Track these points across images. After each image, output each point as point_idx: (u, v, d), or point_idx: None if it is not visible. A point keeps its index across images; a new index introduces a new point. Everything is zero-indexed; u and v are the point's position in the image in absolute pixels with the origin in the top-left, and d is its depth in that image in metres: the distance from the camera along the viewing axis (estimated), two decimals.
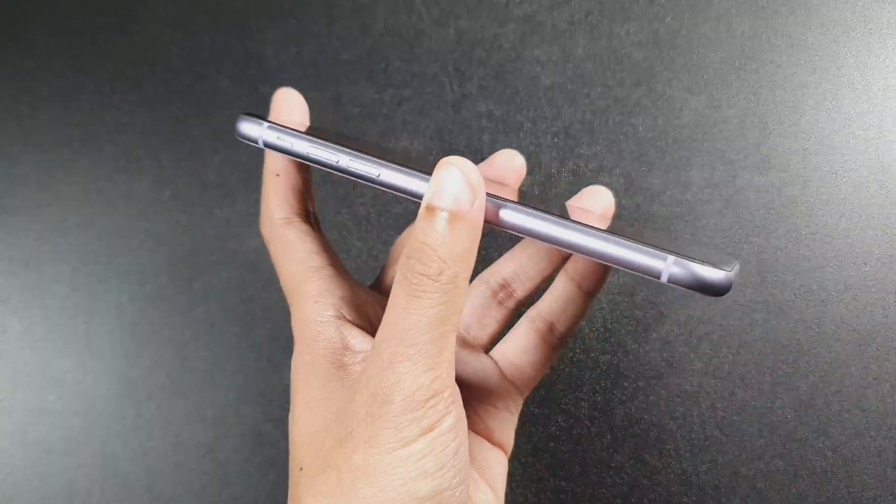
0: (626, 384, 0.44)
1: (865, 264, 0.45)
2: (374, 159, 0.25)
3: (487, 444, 0.31)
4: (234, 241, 0.46)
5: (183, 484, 0.44)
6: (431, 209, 0.23)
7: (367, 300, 0.29)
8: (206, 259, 0.46)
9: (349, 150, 0.25)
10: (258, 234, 0.46)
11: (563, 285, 0.32)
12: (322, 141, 0.26)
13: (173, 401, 0.44)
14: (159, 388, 0.45)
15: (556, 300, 0.32)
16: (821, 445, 0.44)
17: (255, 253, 0.46)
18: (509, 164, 0.31)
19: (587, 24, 0.48)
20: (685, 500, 0.44)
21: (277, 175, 0.28)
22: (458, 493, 0.24)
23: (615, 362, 0.44)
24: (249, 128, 0.26)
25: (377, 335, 0.24)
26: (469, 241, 0.23)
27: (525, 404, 0.44)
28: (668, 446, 0.44)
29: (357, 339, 0.26)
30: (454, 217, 0.23)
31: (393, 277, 0.28)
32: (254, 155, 0.47)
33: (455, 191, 0.23)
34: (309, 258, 0.28)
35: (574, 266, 0.31)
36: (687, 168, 0.46)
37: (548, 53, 0.48)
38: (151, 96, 0.48)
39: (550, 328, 0.32)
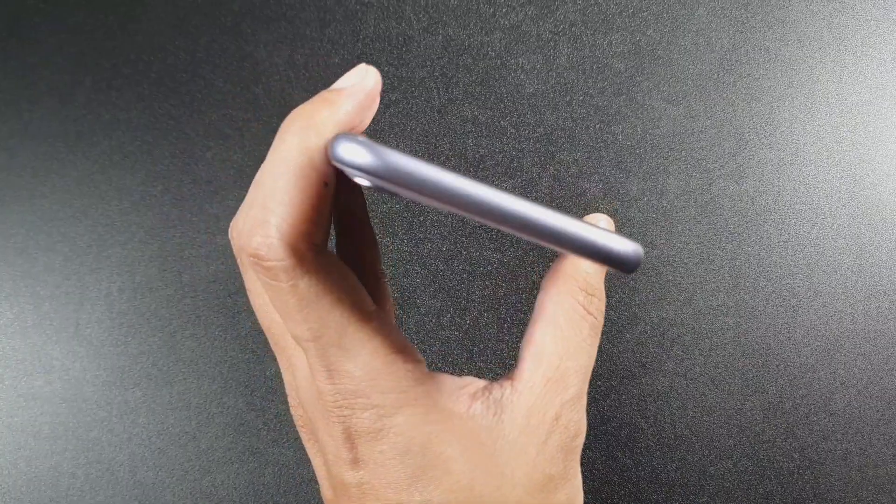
0: (599, 383, 0.45)
1: (836, 272, 0.47)
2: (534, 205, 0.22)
3: None
4: (222, 235, 0.47)
5: (166, 470, 0.45)
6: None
7: None
8: (195, 252, 0.47)
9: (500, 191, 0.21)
10: None
11: None
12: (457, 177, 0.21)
13: (159, 389, 0.46)
14: (146, 376, 0.46)
15: None
16: (788, 447, 0.45)
17: None
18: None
19: (571, 35, 0.49)
20: (654, 497, 0.45)
21: (326, 184, 0.22)
22: None
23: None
24: (357, 152, 0.20)
25: (559, 368, 0.24)
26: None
27: None
28: (639, 445, 0.45)
29: (465, 378, 0.25)
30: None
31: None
32: (245, 153, 0.48)
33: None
34: (365, 299, 0.23)
35: None
36: (664, 175, 0.48)
37: (532, 62, 0.49)
38: (147, 93, 0.49)
39: None
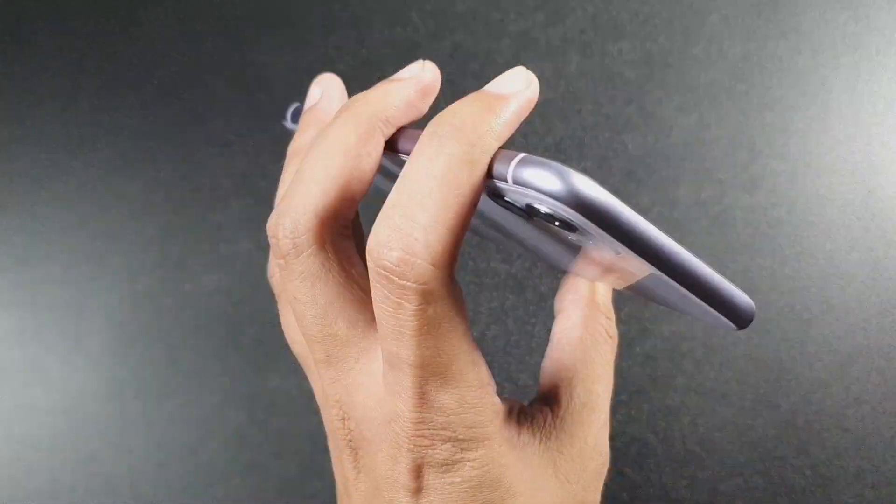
0: None
1: (849, 286, 0.46)
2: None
3: None
4: (224, 245, 0.46)
5: (165, 483, 0.44)
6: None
7: None
8: (197, 262, 0.46)
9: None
10: (249, 239, 0.46)
11: None
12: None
13: (159, 401, 0.45)
14: (145, 387, 0.45)
15: None
16: (800, 464, 0.44)
17: (245, 257, 0.46)
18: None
19: (580, 42, 0.49)
20: None
21: (475, 205, 0.20)
22: None
23: None
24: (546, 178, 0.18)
25: (593, 392, 0.24)
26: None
27: None
28: (649, 461, 0.44)
29: (504, 398, 0.24)
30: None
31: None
32: (248, 160, 0.48)
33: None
34: (469, 327, 0.23)
35: None
36: (675, 186, 0.47)
37: (541, 70, 0.48)
38: (149, 100, 0.49)
39: None
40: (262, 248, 0.46)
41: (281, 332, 0.46)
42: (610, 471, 0.44)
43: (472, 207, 0.19)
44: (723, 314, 0.21)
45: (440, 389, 0.20)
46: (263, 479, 0.44)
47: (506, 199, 0.20)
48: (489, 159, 0.19)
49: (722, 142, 0.47)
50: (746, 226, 0.46)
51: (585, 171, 0.47)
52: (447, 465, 0.21)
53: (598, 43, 0.49)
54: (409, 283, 0.19)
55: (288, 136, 0.47)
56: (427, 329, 0.19)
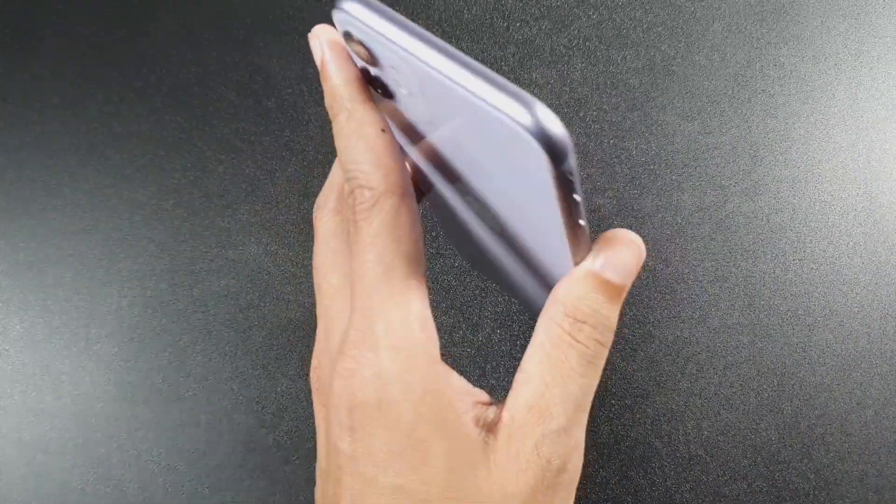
0: (613, 402, 0.45)
1: (851, 290, 0.46)
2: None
3: None
4: (233, 250, 0.47)
5: (175, 487, 0.44)
6: (605, 281, 0.22)
7: None
8: (206, 267, 0.47)
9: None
10: (257, 244, 0.47)
11: None
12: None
13: (168, 405, 0.45)
14: (155, 391, 0.45)
15: None
16: (804, 468, 0.44)
17: (254, 262, 0.47)
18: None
19: (585, 50, 0.49)
20: None
21: (383, 130, 0.23)
22: None
23: (603, 380, 0.45)
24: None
25: (544, 396, 0.23)
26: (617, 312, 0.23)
27: None
28: (653, 464, 0.44)
29: (476, 389, 0.24)
30: (622, 292, 0.23)
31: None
32: (257, 166, 0.48)
33: (629, 269, 0.23)
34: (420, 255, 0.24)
35: None
36: (678, 192, 0.47)
37: (546, 77, 0.49)
38: (158, 106, 0.49)
39: None
40: (270, 252, 0.47)
41: (289, 337, 0.46)
42: (614, 474, 0.44)
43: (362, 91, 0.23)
44: (518, 123, 0.18)
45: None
46: (272, 482, 0.44)
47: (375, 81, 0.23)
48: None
49: (724, 148, 0.48)
50: (749, 231, 0.47)
51: (590, 177, 0.48)
52: (373, 403, 0.22)
53: (602, 50, 0.49)
54: (359, 205, 0.23)
55: (297, 146, 0.48)
56: (397, 225, 0.22)
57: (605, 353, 0.23)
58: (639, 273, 0.26)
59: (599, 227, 0.47)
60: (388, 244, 0.22)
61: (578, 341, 0.22)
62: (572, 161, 0.19)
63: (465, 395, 0.23)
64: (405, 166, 0.24)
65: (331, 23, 0.24)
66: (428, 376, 0.22)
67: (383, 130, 0.23)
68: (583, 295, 0.22)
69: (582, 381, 0.22)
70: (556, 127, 0.18)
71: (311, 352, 0.26)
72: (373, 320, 0.22)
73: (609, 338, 0.23)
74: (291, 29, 0.50)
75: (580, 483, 0.44)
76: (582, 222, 0.21)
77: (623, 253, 0.22)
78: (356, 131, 0.23)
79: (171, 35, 0.50)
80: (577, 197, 0.20)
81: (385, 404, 0.22)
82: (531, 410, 0.22)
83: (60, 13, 0.51)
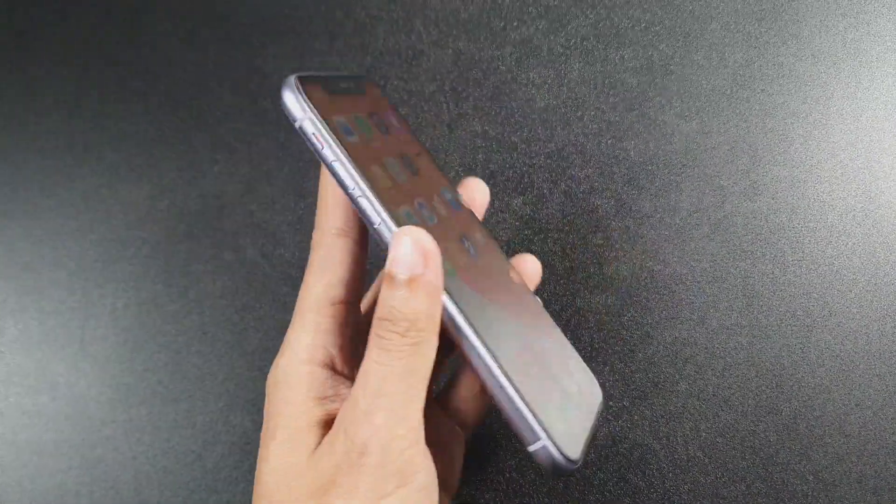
0: (611, 403, 0.45)
1: (850, 291, 0.46)
2: (360, 178, 0.27)
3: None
4: (229, 251, 0.47)
5: (171, 489, 0.44)
6: (391, 276, 0.26)
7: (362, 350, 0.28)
8: (202, 268, 0.47)
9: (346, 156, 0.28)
10: (253, 245, 0.47)
11: None
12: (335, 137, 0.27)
13: (164, 406, 0.45)
14: (151, 393, 0.45)
15: None
16: (802, 469, 0.44)
17: (250, 263, 0.46)
18: (473, 193, 0.35)
19: (582, 49, 0.49)
20: None
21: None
22: None
23: (601, 382, 0.45)
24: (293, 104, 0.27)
25: (354, 386, 0.26)
26: (429, 301, 0.26)
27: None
28: (651, 466, 0.44)
29: (343, 388, 0.29)
30: (411, 282, 0.25)
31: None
32: (252, 167, 0.48)
33: (409, 259, 0.25)
34: (337, 286, 0.29)
35: None
36: (676, 192, 0.47)
37: (543, 76, 0.49)
38: (154, 107, 0.49)
39: None
40: (266, 254, 0.47)
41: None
42: (612, 476, 0.44)
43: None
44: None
45: (297, 321, 0.30)
46: None
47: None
48: None
49: (723, 148, 0.47)
50: (747, 232, 0.47)
51: (588, 178, 0.47)
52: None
53: (599, 50, 0.49)
54: (314, 234, 0.31)
55: (293, 146, 0.48)
56: (310, 268, 0.30)
57: (403, 342, 0.25)
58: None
59: (597, 227, 0.47)
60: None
61: (380, 336, 0.26)
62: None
63: (319, 399, 0.28)
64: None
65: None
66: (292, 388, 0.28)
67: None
68: (383, 294, 0.26)
69: (378, 367, 0.25)
70: None
71: None
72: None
73: (405, 327, 0.25)
74: (288, 29, 0.50)
75: (578, 485, 0.44)
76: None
77: (399, 247, 0.25)
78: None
79: (167, 35, 0.50)
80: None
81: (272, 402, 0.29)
82: (348, 401, 0.26)
83: (56, 14, 0.50)
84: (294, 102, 0.27)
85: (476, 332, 0.27)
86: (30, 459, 0.45)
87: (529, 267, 0.34)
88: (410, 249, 0.25)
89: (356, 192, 0.27)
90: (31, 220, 0.47)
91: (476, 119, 0.48)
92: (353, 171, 0.27)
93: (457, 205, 0.33)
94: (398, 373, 0.25)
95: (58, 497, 0.44)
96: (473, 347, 0.27)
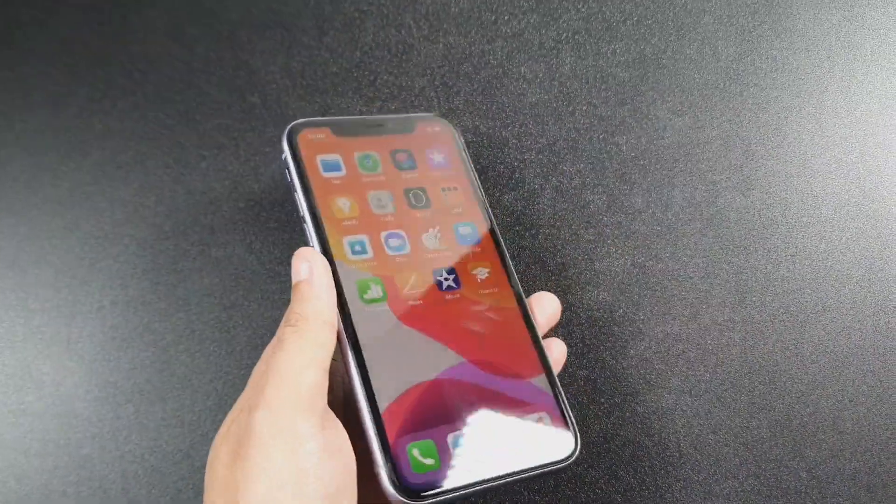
0: (602, 400, 0.44)
1: (844, 287, 0.46)
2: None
3: None
4: (217, 248, 0.46)
5: (159, 488, 0.44)
6: (293, 283, 0.33)
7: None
8: (189, 265, 0.46)
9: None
10: (241, 242, 0.46)
11: None
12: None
13: (152, 405, 0.45)
14: (138, 392, 0.45)
15: None
16: (795, 466, 0.44)
17: (238, 260, 0.46)
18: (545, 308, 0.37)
19: (574, 43, 0.48)
20: None
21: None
22: None
23: (592, 378, 0.45)
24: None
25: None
26: (306, 302, 0.31)
27: None
28: (643, 463, 0.44)
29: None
30: (295, 286, 0.32)
31: None
32: (240, 163, 0.47)
33: (297, 269, 0.33)
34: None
35: None
36: (669, 187, 0.47)
37: (534, 71, 0.48)
38: (141, 103, 0.48)
39: None
40: (254, 250, 0.46)
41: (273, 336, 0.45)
42: (604, 473, 0.44)
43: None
44: None
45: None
46: None
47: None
48: None
49: (716, 143, 0.47)
50: (740, 227, 0.46)
51: (580, 173, 0.47)
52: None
53: (591, 44, 0.48)
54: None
55: (278, 137, 0.47)
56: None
57: (288, 330, 0.30)
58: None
59: (589, 223, 0.46)
60: None
61: (280, 327, 0.31)
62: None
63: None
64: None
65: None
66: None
67: None
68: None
69: (275, 351, 0.30)
70: None
71: None
72: None
73: (294, 319, 0.31)
74: (276, 23, 0.49)
75: (569, 483, 0.43)
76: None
77: (293, 261, 0.33)
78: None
79: (154, 31, 0.49)
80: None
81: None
82: (252, 378, 0.31)
83: (42, 9, 0.50)
84: (284, 142, 0.36)
85: (355, 349, 0.31)
86: (16, 459, 0.44)
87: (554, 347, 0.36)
88: (296, 262, 0.33)
89: (301, 216, 0.34)
90: (17, 217, 0.47)
91: (467, 114, 0.48)
92: (301, 201, 0.34)
93: (467, 239, 0.36)
94: (286, 357, 0.29)
95: (44, 497, 0.44)
96: (348, 362, 0.31)
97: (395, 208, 0.35)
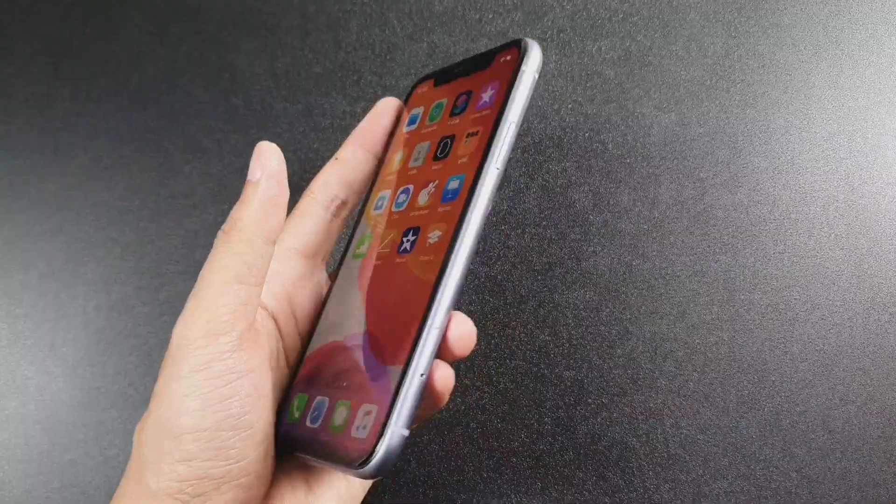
0: (589, 400, 0.44)
1: (834, 284, 0.45)
2: None
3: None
4: (201, 251, 0.46)
5: None
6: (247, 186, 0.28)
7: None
8: (173, 269, 0.46)
9: None
10: None
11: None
12: None
13: (136, 410, 0.44)
14: (122, 396, 0.44)
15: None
16: (785, 466, 0.43)
17: None
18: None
19: (559, 41, 0.48)
20: None
21: (336, 159, 0.34)
22: (219, 439, 0.26)
23: (579, 378, 0.44)
24: None
25: None
26: (258, 209, 0.28)
27: (487, 419, 0.44)
28: (631, 464, 0.43)
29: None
30: (247, 185, 0.28)
31: None
32: (224, 166, 0.47)
33: (252, 166, 0.28)
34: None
35: None
36: (655, 185, 0.46)
37: None
38: (126, 104, 0.48)
39: None
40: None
41: None
42: (591, 475, 0.43)
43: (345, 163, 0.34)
44: None
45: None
46: None
47: None
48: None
49: (703, 140, 0.47)
50: (728, 224, 0.46)
51: (565, 171, 0.47)
52: None
53: (576, 41, 0.48)
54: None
55: (263, 138, 0.47)
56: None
57: (222, 239, 0.28)
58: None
59: (575, 221, 0.46)
60: None
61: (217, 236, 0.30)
62: None
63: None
64: None
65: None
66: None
67: None
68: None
69: (205, 265, 0.28)
70: None
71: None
72: None
73: (229, 227, 0.28)
74: (260, 24, 0.49)
75: (557, 484, 0.43)
76: None
77: (253, 155, 0.29)
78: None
79: (138, 32, 0.49)
80: None
81: None
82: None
83: (25, 10, 0.50)
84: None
85: (327, 296, 0.32)
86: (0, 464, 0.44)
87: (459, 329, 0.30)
88: (254, 160, 0.28)
89: None
90: (1, 221, 0.47)
91: None
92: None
93: (453, 194, 0.30)
94: (211, 268, 0.27)
95: (28, 502, 0.43)
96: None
97: (424, 161, 0.32)
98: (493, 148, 0.29)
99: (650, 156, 0.47)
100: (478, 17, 0.49)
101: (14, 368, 0.45)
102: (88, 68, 0.49)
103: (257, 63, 0.48)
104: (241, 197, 0.28)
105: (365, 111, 0.48)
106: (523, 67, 0.30)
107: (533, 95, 0.31)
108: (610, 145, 0.47)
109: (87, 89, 0.49)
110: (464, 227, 0.28)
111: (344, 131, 0.47)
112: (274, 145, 0.29)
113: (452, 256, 0.28)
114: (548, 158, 0.47)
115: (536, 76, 0.31)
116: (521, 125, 0.31)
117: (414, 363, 0.26)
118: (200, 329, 0.26)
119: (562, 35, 0.48)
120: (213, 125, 0.48)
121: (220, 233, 0.28)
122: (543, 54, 0.31)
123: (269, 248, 0.28)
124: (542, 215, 0.46)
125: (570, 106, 0.47)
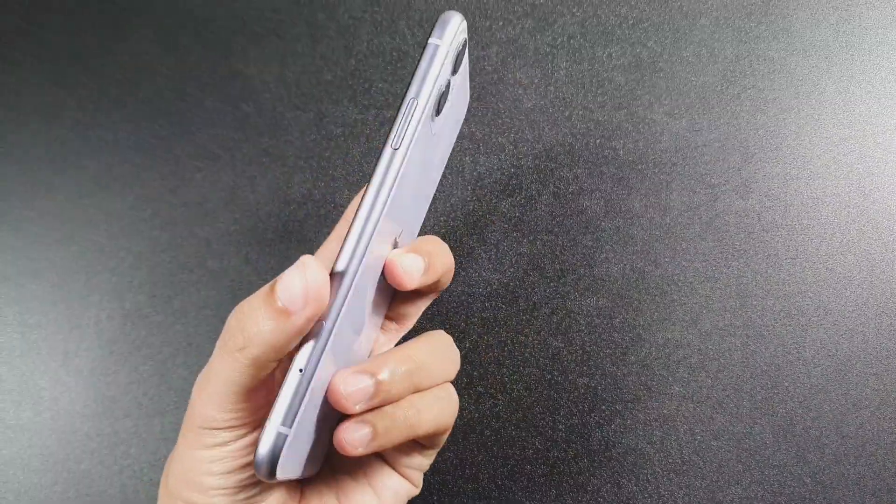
0: (603, 407, 0.44)
1: (846, 289, 0.45)
2: None
3: (389, 469, 0.31)
4: (213, 259, 0.46)
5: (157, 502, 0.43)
6: (273, 293, 0.24)
7: None
8: (186, 278, 0.46)
9: None
10: (237, 253, 0.46)
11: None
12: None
13: (150, 419, 0.44)
14: (136, 405, 0.44)
15: None
16: (799, 472, 0.43)
17: (234, 272, 0.46)
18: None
19: (569, 48, 0.48)
20: None
21: None
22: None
23: (593, 385, 0.44)
24: None
25: None
26: (281, 338, 0.24)
27: (501, 427, 0.44)
28: (645, 471, 0.43)
29: None
30: (280, 312, 0.24)
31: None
32: (235, 174, 0.47)
33: (293, 292, 0.24)
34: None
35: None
36: (667, 191, 0.46)
37: (530, 76, 0.48)
38: (135, 114, 0.48)
39: None
40: (251, 262, 0.46)
41: None
42: (606, 482, 0.43)
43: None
44: None
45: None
46: None
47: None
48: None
49: (714, 145, 0.47)
50: (740, 230, 0.46)
51: (577, 178, 0.47)
52: None
53: (587, 48, 0.48)
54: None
55: (276, 151, 0.47)
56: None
57: (232, 354, 0.25)
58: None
59: (587, 228, 0.46)
60: None
61: (225, 329, 0.27)
62: None
63: None
64: None
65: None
66: None
67: None
68: (252, 297, 0.26)
69: (212, 360, 0.27)
70: None
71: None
72: None
73: (239, 341, 0.25)
74: (269, 32, 0.49)
75: (571, 492, 0.43)
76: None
77: (291, 269, 0.24)
78: None
79: (146, 41, 0.49)
80: None
81: None
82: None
83: (34, 23, 0.50)
84: None
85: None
86: (14, 475, 0.44)
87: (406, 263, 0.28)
88: (300, 285, 0.24)
89: None
90: (12, 231, 0.47)
91: (463, 121, 0.47)
92: None
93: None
94: (220, 374, 0.26)
95: None
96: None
97: None
98: (394, 126, 0.28)
99: (661, 162, 0.47)
100: (488, 24, 0.49)
101: (28, 378, 0.45)
102: (98, 78, 0.49)
103: (267, 71, 0.48)
104: (266, 307, 0.24)
105: (376, 119, 0.48)
106: (430, 40, 0.28)
107: (471, 70, 0.31)
108: (621, 152, 0.47)
109: (96, 99, 0.49)
110: (360, 216, 0.26)
111: (355, 139, 0.47)
112: (324, 273, 0.25)
113: (345, 246, 0.26)
114: (559, 165, 0.47)
115: (451, 49, 0.28)
116: (469, 105, 0.32)
117: (295, 359, 0.25)
118: (214, 421, 0.27)
119: (572, 41, 0.48)
120: (224, 133, 0.48)
121: (218, 342, 0.26)
122: (464, 21, 0.28)
123: (257, 370, 0.26)
124: (554, 222, 0.46)
125: (580, 112, 0.47)
